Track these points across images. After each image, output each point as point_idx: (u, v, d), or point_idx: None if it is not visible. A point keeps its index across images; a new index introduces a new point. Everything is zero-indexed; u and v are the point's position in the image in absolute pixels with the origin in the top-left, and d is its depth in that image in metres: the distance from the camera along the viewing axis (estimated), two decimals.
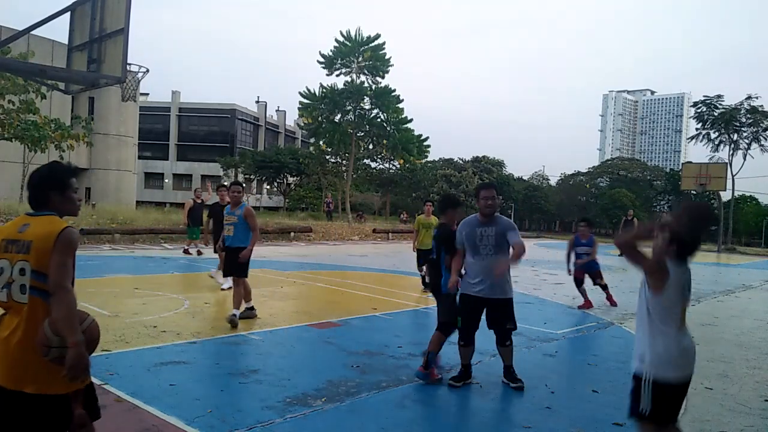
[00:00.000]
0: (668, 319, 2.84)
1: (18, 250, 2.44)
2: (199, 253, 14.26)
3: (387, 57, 31.21)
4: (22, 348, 2.37)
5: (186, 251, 14.62)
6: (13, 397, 2.36)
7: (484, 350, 6.12)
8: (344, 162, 34.69)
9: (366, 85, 31.31)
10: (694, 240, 2.92)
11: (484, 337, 6.92)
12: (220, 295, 9.13)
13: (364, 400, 4.35)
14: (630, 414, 2.92)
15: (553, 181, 63.18)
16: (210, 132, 64.77)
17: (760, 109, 35.62)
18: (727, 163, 35.17)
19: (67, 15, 8.42)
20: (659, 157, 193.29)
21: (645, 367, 2.84)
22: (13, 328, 2.40)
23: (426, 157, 39.44)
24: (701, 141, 38.08)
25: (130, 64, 7.73)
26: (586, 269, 9.27)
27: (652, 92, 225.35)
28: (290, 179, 47.94)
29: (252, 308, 7.07)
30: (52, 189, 2.56)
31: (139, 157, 42.68)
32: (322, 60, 31.30)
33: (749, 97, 35.81)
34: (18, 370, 2.36)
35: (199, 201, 14.19)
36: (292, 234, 22.95)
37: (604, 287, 9.45)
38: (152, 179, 61.02)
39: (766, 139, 35.98)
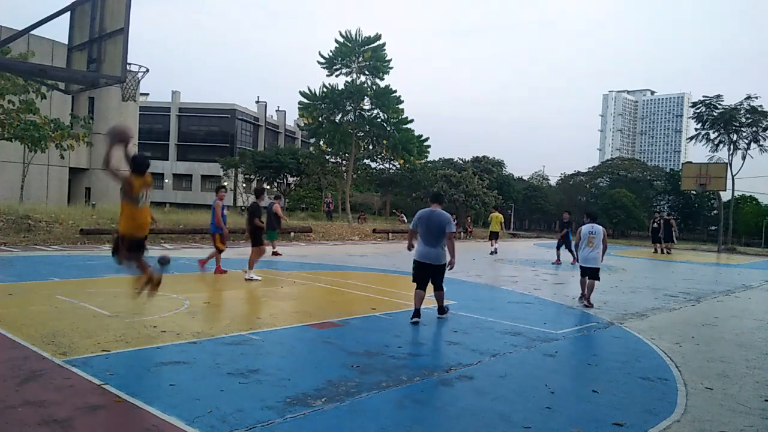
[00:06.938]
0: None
1: (147, 186, 6.16)
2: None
3: (387, 58, 31.21)
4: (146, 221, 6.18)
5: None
6: (143, 240, 6.18)
7: (484, 350, 6.13)
8: (344, 162, 34.64)
9: (366, 85, 31.30)
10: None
11: (483, 336, 6.93)
12: (220, 295, 9.14)
13: (364, 400, 4.35)
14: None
15: (553, 181, 63.32)
16: (210, 132, 64.84)
17: (759, 109, 35.61)
18: (727, 163, 35.12)
19: (67, 15, 8.42)
20: (659, 157, 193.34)
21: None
22: (145, 213, 6.13)
23: (426, 157, 39.37)
24: (701, 141, 38.11)
25: (130, 64, 7.72)
26: None
27: (652, 92, 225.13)
28: (290, 179, 47.91)
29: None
30: None
31: None
32: (322, 60, 31.27)
33: (749, 97, 35.81)
34: (146, 228, 6.16)
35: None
36: (292, 234, 22.95)
37: None
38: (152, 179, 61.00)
39: (765, 139, 35.97)
